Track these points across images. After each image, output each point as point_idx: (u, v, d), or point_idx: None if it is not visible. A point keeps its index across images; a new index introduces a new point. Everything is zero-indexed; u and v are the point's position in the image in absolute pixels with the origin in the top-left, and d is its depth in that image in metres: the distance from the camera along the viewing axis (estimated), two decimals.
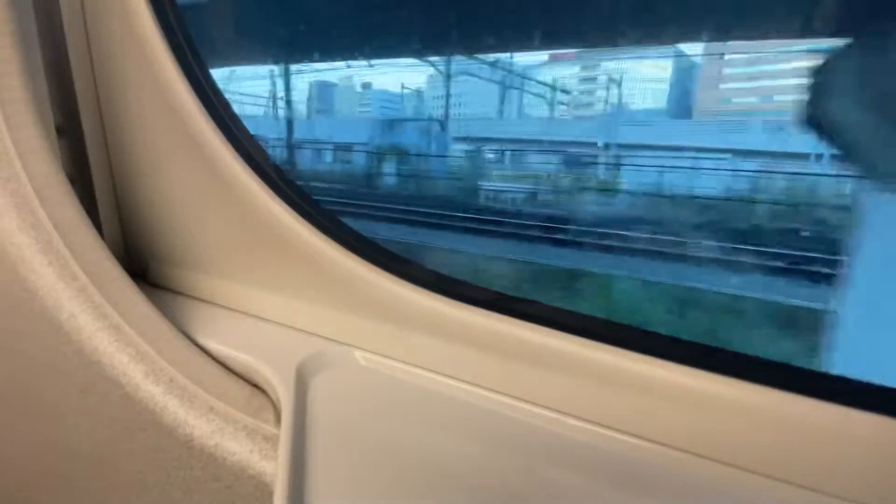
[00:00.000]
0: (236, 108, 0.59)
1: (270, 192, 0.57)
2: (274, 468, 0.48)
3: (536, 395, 0.50)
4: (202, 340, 0.59)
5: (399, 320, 0.55)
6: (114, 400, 0.53)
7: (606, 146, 6.17)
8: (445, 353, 0.53)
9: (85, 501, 0.65)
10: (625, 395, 0.45)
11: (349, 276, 0.56)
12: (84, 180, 0.66)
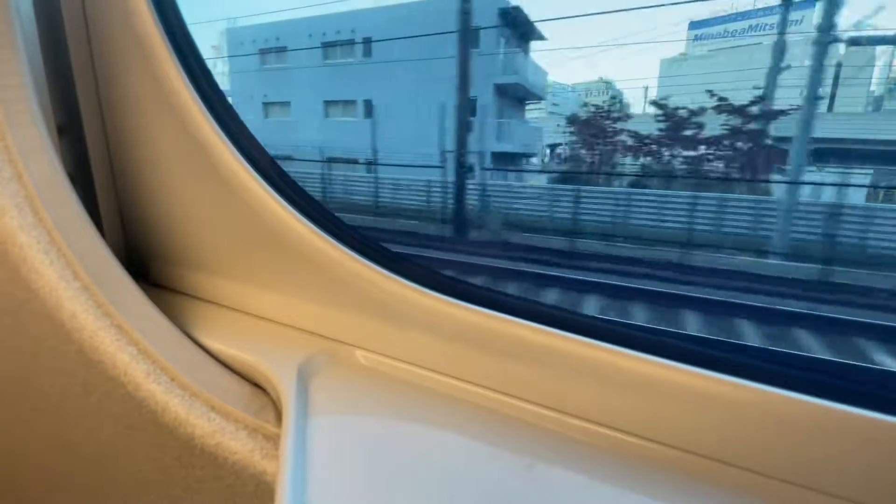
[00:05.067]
0: None
1: (271, 191, 0.57)
2: (275, 467, 0.48)
3: (537, 395, 0.50)
4: (203, 340, 0.59)
5: (400, 320, 0.55)
6: (115, 399, 0.53)
7: None
8: (446, 352, 0.53)
9: (86, 500, 0.65)
10: (625, 395, 0.45)
11: (350, 275, 0.56)
12: (85, 180, 0.66)
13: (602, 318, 0.49)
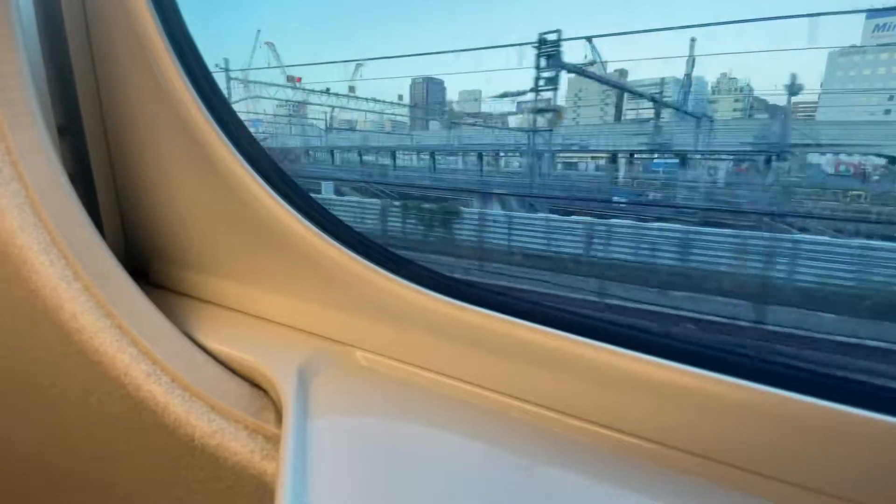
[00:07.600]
0: None
1: (271, 192, 0.57)
2: (275, 468, 0.48)
3: (536, 395, 0.50)
4: (203, 341, 0.59)
5: (400, 320, 0.55)
6: (115, 400, 0.53)
7: None
8: (446, 353, 0.53)
9: (86, 500, 0.65)
10: (625, 395, 0.45)
11: (350, 276, 0.56)
12: (85, 180, 0.66)
13: (602, 319, 0.49)
